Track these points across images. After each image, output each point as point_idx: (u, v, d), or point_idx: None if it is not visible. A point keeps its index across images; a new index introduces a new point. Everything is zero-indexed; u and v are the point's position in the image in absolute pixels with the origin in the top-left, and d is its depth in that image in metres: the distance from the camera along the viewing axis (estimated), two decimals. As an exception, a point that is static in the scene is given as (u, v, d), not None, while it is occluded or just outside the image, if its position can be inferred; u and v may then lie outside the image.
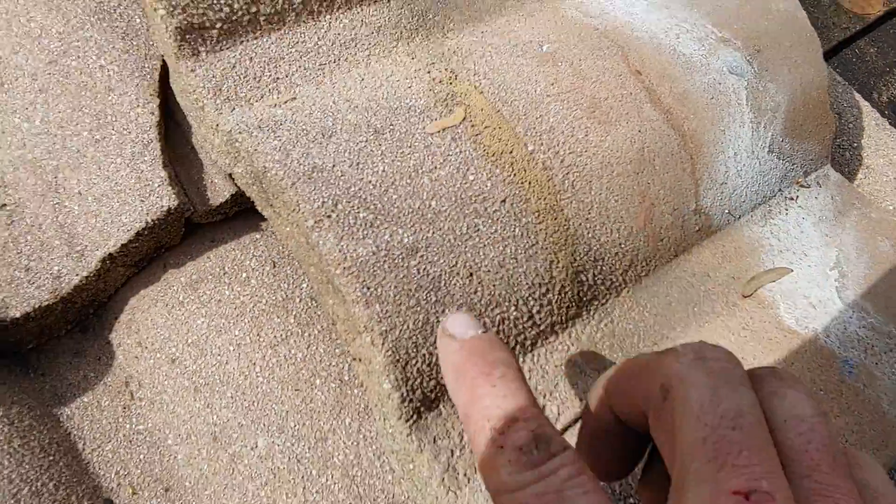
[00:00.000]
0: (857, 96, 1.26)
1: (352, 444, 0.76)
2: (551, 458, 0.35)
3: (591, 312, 0.81)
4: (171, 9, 0.70)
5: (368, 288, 0.66)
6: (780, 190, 1.00)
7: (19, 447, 0.72)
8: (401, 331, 0.67)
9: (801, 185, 1.02)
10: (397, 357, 0.67)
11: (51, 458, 0.73)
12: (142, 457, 0.77)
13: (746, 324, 0.88)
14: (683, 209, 0.87)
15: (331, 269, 0.66)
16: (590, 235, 0.79)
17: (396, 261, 0.67)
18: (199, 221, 0.81)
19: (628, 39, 0.89)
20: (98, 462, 0.76)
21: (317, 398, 0.77)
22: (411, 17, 0.84)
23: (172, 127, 0.83)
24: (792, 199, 1.01)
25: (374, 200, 0.68)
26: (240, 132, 0.69)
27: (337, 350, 0.80)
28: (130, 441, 0.77)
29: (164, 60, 0.82)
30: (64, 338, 0.81)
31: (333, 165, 0.68)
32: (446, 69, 0.80)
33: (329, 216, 0.66)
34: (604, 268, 0.80)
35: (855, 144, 1.21)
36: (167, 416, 0.78)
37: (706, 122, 0.89)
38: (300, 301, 0.81)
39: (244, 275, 0.81)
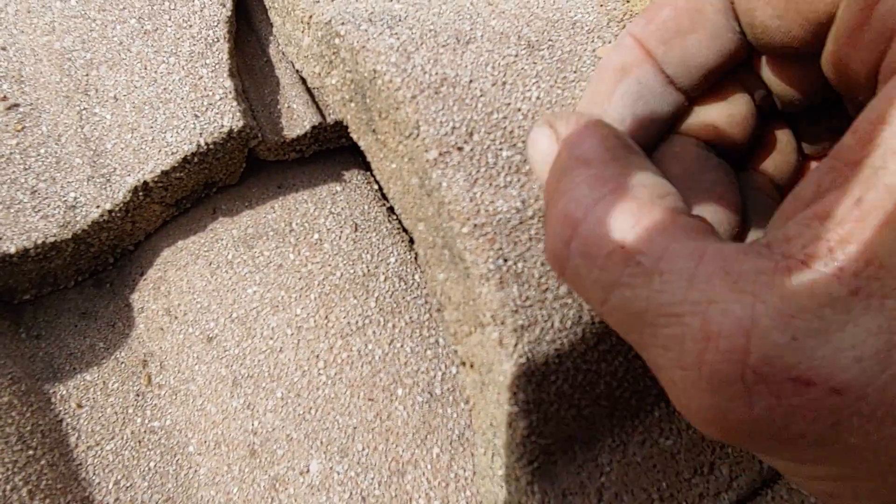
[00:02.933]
0: None
1: (438, 484, 0.54)
2: None
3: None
4: None
5: (506, 260, 0.44)
6: None
7: (-12, 430, 0.51)
8: (542, 330, 0.45)
9: None
10: (532, 368, 0.44)
11: (30, 452, 0.53)
12: (152, 465, 0.56)
13: None
14: None
15: (454, 224, 0.44)
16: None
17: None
18: (266, 158, 0.61)
19: None
20: (94, 465, 0.55)
21: (396, 415, 0.55)
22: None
23: (246, 32, 0.63)
24: None
25: (523, 136, 0.46)
26: (343, 23, 0.49)
27: (429, 352, 0.58)
28: (140, 441, 0.57)
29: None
30: (71, 291, 0.61)
31: (471, 81, 0.47)
32: (622, -15, 0.58)
33: (460, 148, 0.44)
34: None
35: None
36: (192, 412, 0.57)
37: None
38: (385, 280, 0.60)
39: (316, 236, 0.60)
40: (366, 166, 0.66)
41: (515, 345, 0.44)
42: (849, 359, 0.23)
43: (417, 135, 0.45)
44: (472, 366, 0.48)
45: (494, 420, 0.48)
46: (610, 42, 0.53)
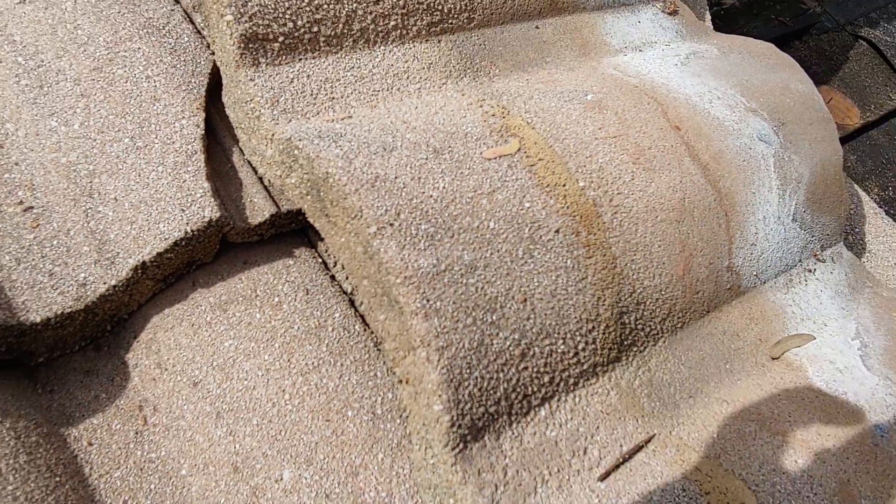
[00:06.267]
0: (856, 187, 1.30)
1: (384, 480, 0.70)
2: None
3: (630, 358, 0.79)
4: (240, 15, 0.70)
5: (428, 300, 0.63)
6: (800, 260, 1.01)
7: (25, 463, 0.65)
8: (457, 349, 0.64)
9: (819, 259, 1.04)
10: (451, 376, 0.63)
11: (57, 479, 0.66)
12: (152, 487, 0.70)
13: (778, 383, 0.86)
14: (718, 264, 0.87)
15: (390, 278, 0.63)
16: (634, 277, 0.78)
17: (456, 276, 0.65)
18: (235, 240, 0.78)
19: (666, 98, 0.91)
20: (105, 489, 0.69)
21: (348, 430, 0.72)
22: (460, 58, 0.85)
23: (213, 145, 0.81)
24: (810, 271, 1.02)
25: (435, 214, 0.66)
26: (300, 139, 0.68)
27: (370, 382, 0.76)
28: (141, 469, 0.71)
29: (210, 77, 0.81)
30: (76, 354, 0.75)
31: (395, 177, 0.67)
32: (498, 105, 0.80)
33: (392, 224, 0.64)
34: (645, 312, 0.79)
35: (857, 230, 1.24)
36: (183, 443, 0.72)
37: (739, 183, 0.90)
38: (333, 330, 0.78)
39: (276, 299, 0.78)
40: (311, 245, 0.84)
41: (438, 360, 0.62)
42: None
43: (361, 216, 0.64)
44: (407, 381, 0.66)
45: (426, 420, 0.65)
46: (492, 147, 0.74)
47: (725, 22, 1.70)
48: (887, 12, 1.89)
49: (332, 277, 0.83)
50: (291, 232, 0.83)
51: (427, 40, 0.84)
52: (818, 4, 1.88)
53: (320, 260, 0.83)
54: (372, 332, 0.80)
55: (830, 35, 1.87)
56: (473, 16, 0.88)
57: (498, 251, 0.68)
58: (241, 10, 0.70)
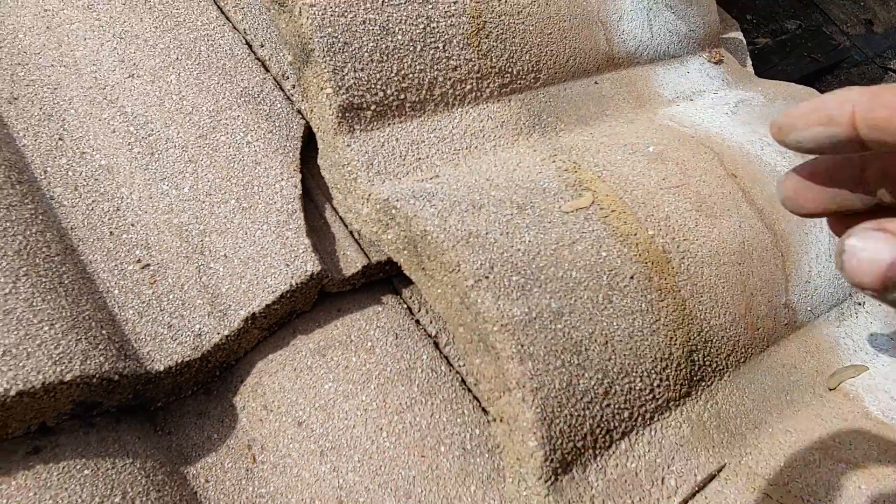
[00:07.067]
0: None
1: (478, 511, 0.76)
2: None
3: (699, 393, 0.84)
4: (338, 88, 0.78)
5: (523, 346, 0.69)
6: (850, 294, 1.06)
7: (156, 500, 0.72)
8: (549, 389, 0.70)
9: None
10: (544, 415, 0.69)
11: (182, 514, 0.73)
12: (264, 520, 0.77)
13: (837, 413, 0.91)
14: (776, 301, 0.92)
15: (487, 326, 0.69)
16: (702, 317, 0.83)
17: (546, 323, 0.71)
18: (331, 290, 0.85)
19: (721, 147, 0.97)
20: (223, 523, 0.76)
21: (442, 465, 0.78)
22: (529, 115, 0.92)
23: (307, 203, 0.88)
24: (860, 304, 1.07)
25: (524, 266, 0.73)
26: (397, 199, 0.75)
27: (459, 420, 0.82)
28: (253, 503, 0.77)
29: (303, 140, 0.89)
30: (188, 399, 0.82)
31: (487, 233, 0.74)
32: (569, 160, 0.87)
33: (487, 276, 0.70)
34: (712, 350, 0.85)
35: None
36: (290, 479, 0.78)
37: (793, 225, 0.96)
38: (422, 371, 0.84)
39: (369, 343, 0.84)
40: (396, 292, 0.91)
41: (533, 400, 0.68)
42: None
43: (459, 270, 0.70)
44: (502, 420, 0.72)
45: (520, 455, 0.71)
46: (568, 201, 0.81)
47: (760, 61, 1.77)
48: (915, 45, 1.95)
49: (418, 322, 0.89)
50: (379, 281, 0.90)
51: (499, 100, 0.91)
52: (847, 39, 1.95)
53: (405, 305, 0.90)
54: (457, 372, 0.86)
55: (861, 68, 1.93)
56: (539, 76, 0.95)
57: (581, 298, 0.74)
58: (340, 84, 0.77)
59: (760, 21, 1.87)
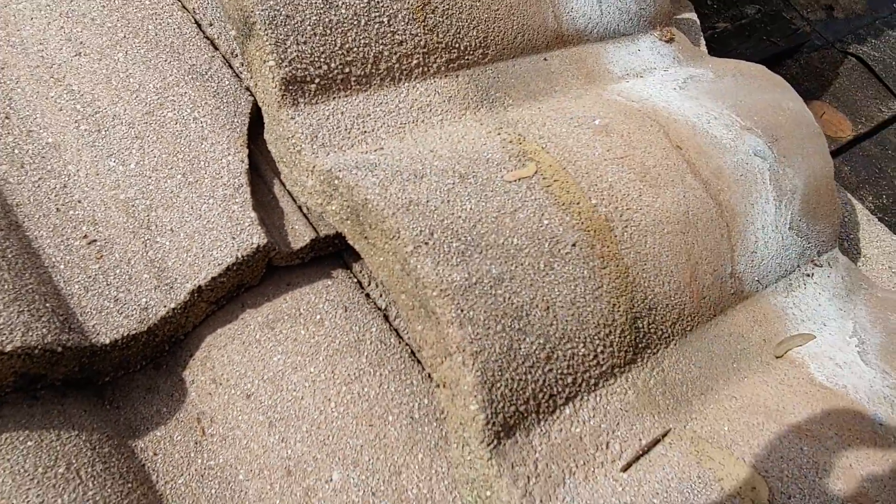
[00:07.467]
0: (850, 196, 1.38)
1: (425, 478, 0.77)
2: None
3: (645, 360, 0.85)
4: (281, 61, 0.78)
5: (462, 310, 0.70)
6: (798, 266, 1.08)
7: (101, 471, 0.72)
8: (489, 353, 0.71)
9: (816, 265, 1.11)
10: (485, 378, 0.70)
11: (129, 485, 0.73)
12: (213, 491, 0.77)
13: (782, 380, 0.93)
14: (722, 271, 0.94)
15: (427, 291, 0.70)
16: (646, 285, 0.85)
17: (486, 288, 0.72)
18: (279, 264, 0.85)
19: (667, 120, 0.99)
20: (171, 495, 0.76)
21: (390, 434, 0.79)
22: (477, 91, 0.93)
23: (255, 178, 0.88)
24: (809, 275, 1.09)
25: (464, 233, 0.74)
26: (339, 170, 0.76)
27: (407, 389, 0.82)
28: (202, 476, 0.78)
29: (251, 117, 0.89)
30: (138, 373, 0.82)
31: (427, 201, 0.74)
32: (514, 132, 0.88)
33: (426, 243, 0.71)
34: (657, 317, 0.86)
35: (851, 236, 1.32)
36: (239, 451, 0.79)
37: (738, 196, 0.97)
38: (371, 343, 0.85)
39: (318, 316, 0.85)
40: (347, 266, 0.92)
41: (473, 364, 0.69)
42: None
43: (399, 237, 0.71)
44: (444, 385, 0.73)
45: (463, 419, 0.72)
46: (511, 170, 0.82)
47: (719, 45, 1.79)
48: (874, 29, 1.98)
49: (367, 295, 0.90)
50: (329, 255, 0.91)
51: (446, 76, 0.92)
52: (807, 24, 1.97)
53: (356, 280, 0.91)
54: (406, 344, 0.87)
55: (821, 53, 1.96)
56: (487, 52, 0.96)
57: (522, 264, 0.75)
58: (282, 56, 0.78)
59: (721, 6, 1.89)
